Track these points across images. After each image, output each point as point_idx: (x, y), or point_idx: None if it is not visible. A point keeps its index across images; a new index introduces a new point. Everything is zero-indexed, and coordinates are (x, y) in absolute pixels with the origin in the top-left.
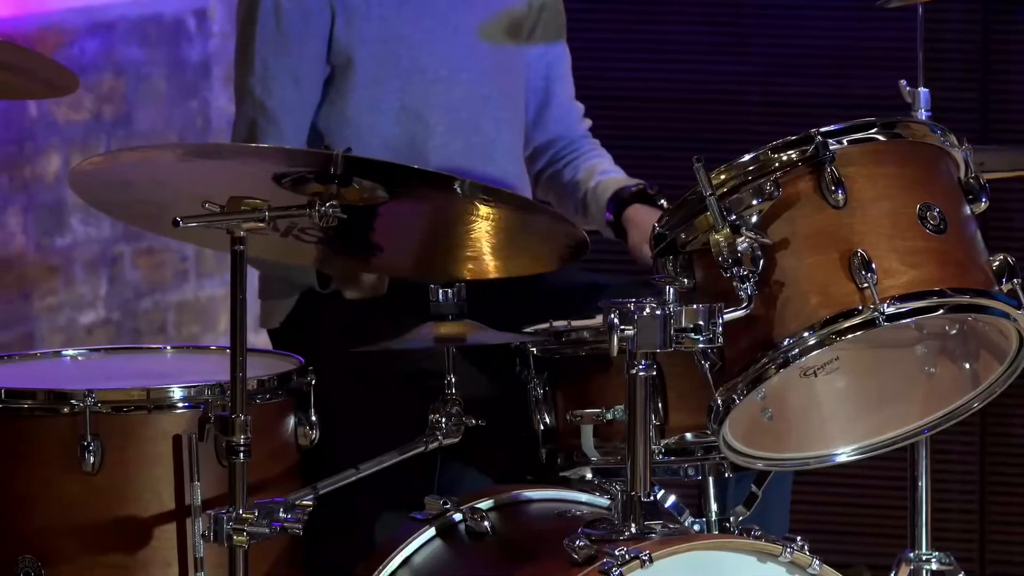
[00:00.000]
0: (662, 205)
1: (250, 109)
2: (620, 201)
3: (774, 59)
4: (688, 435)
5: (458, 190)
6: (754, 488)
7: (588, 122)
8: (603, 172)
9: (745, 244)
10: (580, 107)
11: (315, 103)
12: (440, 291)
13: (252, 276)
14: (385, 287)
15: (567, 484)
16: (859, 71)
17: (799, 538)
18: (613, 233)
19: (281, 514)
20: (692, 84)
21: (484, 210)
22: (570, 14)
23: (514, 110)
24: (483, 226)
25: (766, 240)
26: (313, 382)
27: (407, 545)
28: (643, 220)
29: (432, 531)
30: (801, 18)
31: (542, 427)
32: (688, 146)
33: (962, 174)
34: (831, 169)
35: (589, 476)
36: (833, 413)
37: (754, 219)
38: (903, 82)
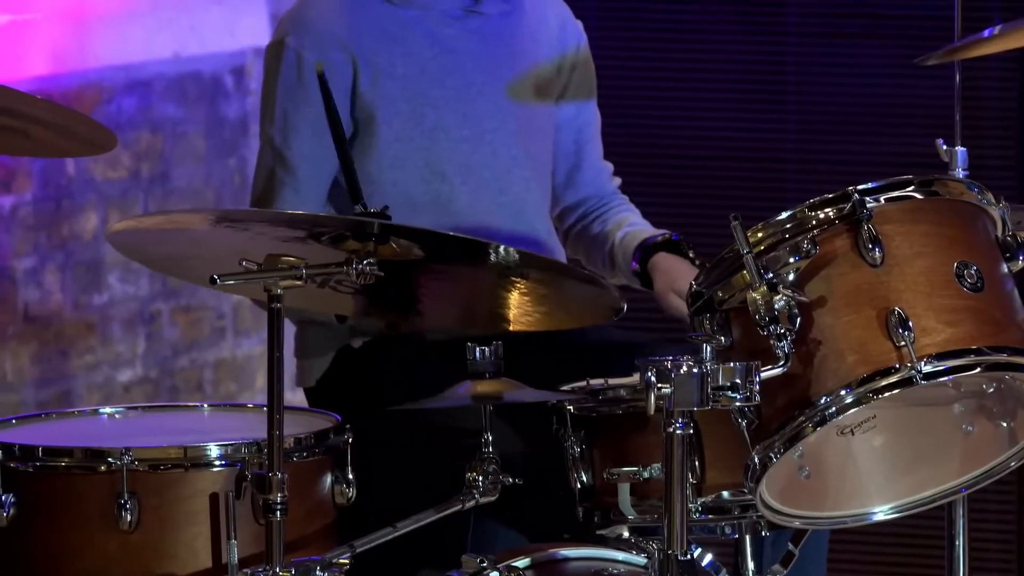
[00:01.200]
0: (689, 254)
1: (269, 158)
2: (646, 250)
3: (811, 117)
4: (725, 493)
5: (493, 256)
6: (791, 546)
7: (618, 180)
8: (631, 224)
9: (782, 302)
10: (609, 166)
11: (336, 156)
12: (477, 349)
13: (289, 334)
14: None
15: (604, 542)
16: (897, 129)
17: None
18: (640, 283)
19: (318, 573)
20: (729, 142)
21: (520, 271)
22: (606, 71)
23: (541, 169)
24: (519, 285)
25: (803, 298)
26: (350, 440)
27: None
28: (669, 267)
29: None
30: (839, 76)
31: (579, 485)
32: (725, 204)
33: (999, 232)
34: (868, 227)
35: (626, 534)
36: (870, 471)
37: (791, 277)
38: (940, 141)
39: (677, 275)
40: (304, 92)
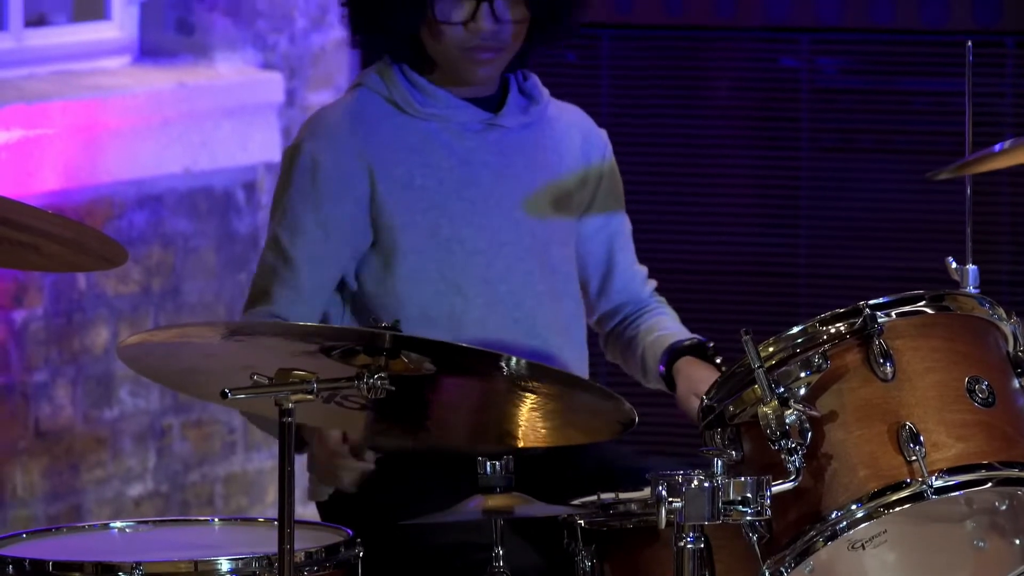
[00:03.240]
0: (718, 363)
1: (272, 256)
2: (673, 354)
3: (823, 231)
4: None
5: (504, 368)
6: None
7: (653, 283)
8: (663, 328)
9: (793, 417)
10: (643, 270)
11: (343, 262)
12: (488, 463)
13: None
14: (357, 481)
15: None
16: (908, 243)
17: None
18: (666, 386)
19: None
20: (741, 255)
21: (532, 385)
22: (623, 187)
23: (559, 283)
24: (531, 399)
25: (814, 413)
26: (361, 555)
27: None
28: (692, 372)
29: None
30: (851, 190)
31: None
32: (737, 318)
33: (1011, 347)
34: (879, 342)
35: None
36: None
37: (802, 391)
38: (950, 259)
39: (699, 380)
40: (316, 196)
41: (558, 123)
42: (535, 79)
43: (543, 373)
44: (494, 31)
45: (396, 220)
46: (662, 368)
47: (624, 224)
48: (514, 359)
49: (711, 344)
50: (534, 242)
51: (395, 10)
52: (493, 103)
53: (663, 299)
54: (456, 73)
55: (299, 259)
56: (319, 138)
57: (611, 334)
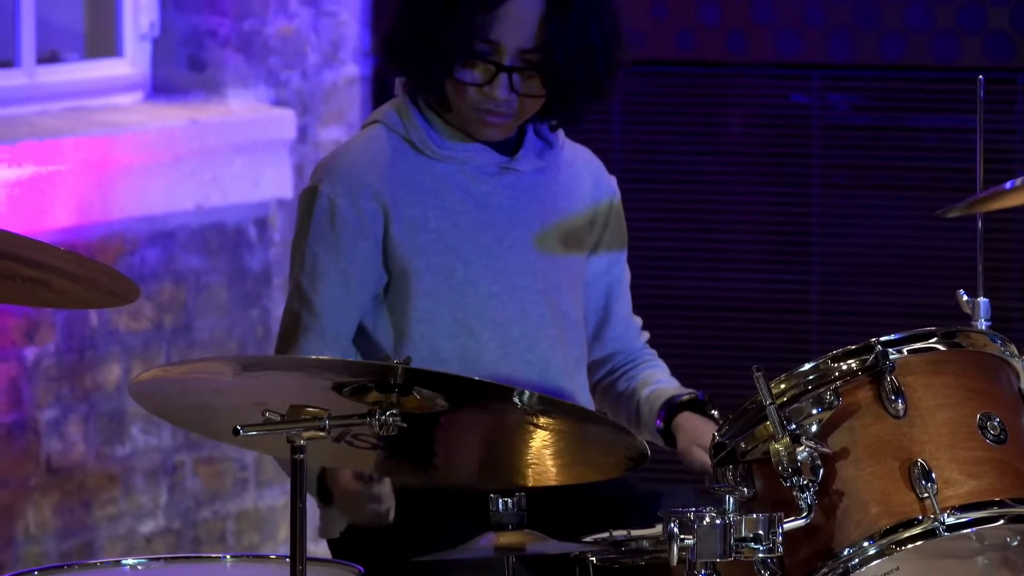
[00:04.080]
0: (713, 415)
1: (296, 303)
2: (671, 409)
3: (835, 268)
4: None
5: (517, 402)
6: None
7: (646, 335)
8: (657, 382)
9: (805, 453)
10: (638, 321)
11: (364, 305)
12: (500, 500)
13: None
14: (391, 517)
15: None
16: (920, 280)
17: None
18: (663, 441)
19: None
20: (753, 292)
21: (543, 421)
22: (631, 222)
23: (569, 327)
24: (542, 436)
25: (826, 449)
26: None
27: None
28: (692, 427)
29: None
30: (861, 227)
31: None
32: (748, 355)
33: (1022, 384)
34: (891, 378)
35: None
36: None
37: (814, 428)
38: (961, 292)
39: (700, 432)
40: (335, 239)
41: (571, 167)
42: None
43: (555, 407)
44: (507, 100)
45: (410, 263)
46: (660, 423)
47: (624, 272)
48: (527, 392)
49: (707, 397)
50: (547, 286)
51: (427, 62)
52: (509, 146)
53: (654, 351)
54: (465, 125)
55: (322, 305)
56: (336, 181)
57: (600, 383)
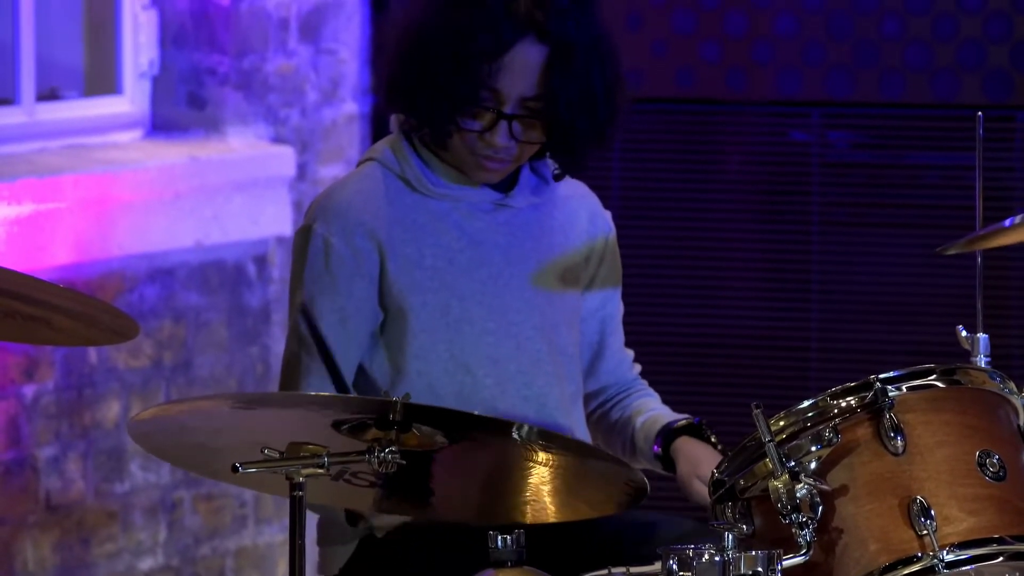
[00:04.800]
0: (711, 439)
1: (295, 344)
2: (668, 434)
3: (834, 305)
4: None
5: (516, 436)
6: None
7: (638, 367)
8: (651, 410)
9: (804, 491)
10: (630, 353)
11: (362, 342)
12: (499, 537)
13: (311, 522)
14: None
15: None
16: (919, 317)
17: None
18: (662, 466)
19: None
20: (753, 330)
21: (542, 456)
22: (630, 258)
23: (566, 362)
24: (541, 471)
25: (825, 487)
26: None
27: None
28: (691, 452)
29: None
30: (861, 264)
31: None
32: (748, 392)
33: (1022, 421)
34: (890, 416)
35: None
36: None
37: (813, 465)
38: (960, 328)
39: (700, 461)
40: (331, 279)
41: (567, 203)
42: (547, 159)
43: (554, 441)
44: (507, 147)
45: (406, 300)
46: (658, 448)
47: (618, 308)
48: (526, 426)
49: (704, 422)
50: (543, 322)
51: (434, 110)
52: (504, 182)
53: (645, 382)
54: (462, 168)
55: (321, 346)
56: (331, 220)
57: (594, 414)
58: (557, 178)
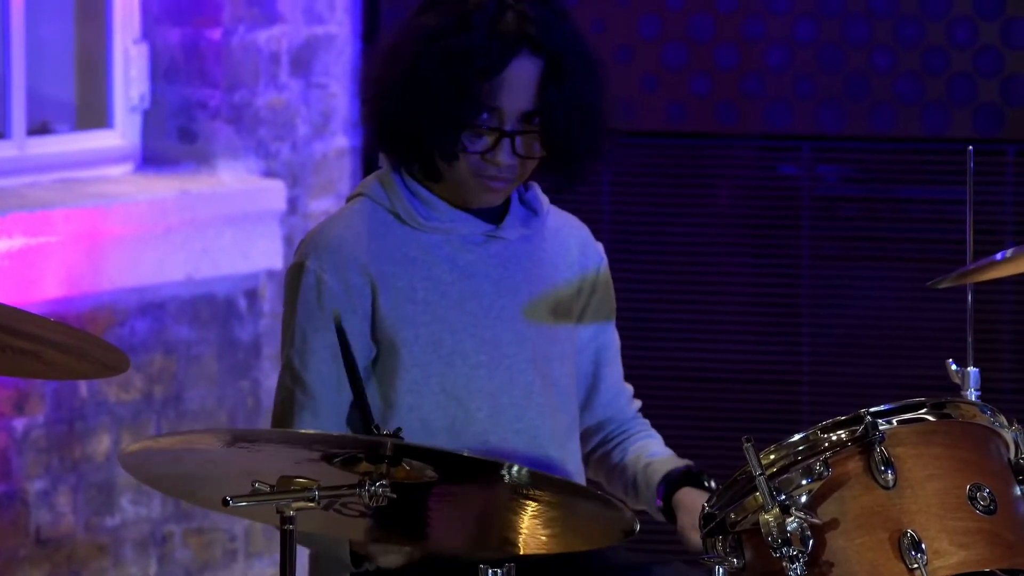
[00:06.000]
0: (708, 484)
1: (288, 380)
2: (669, 484)
3: (825, 339)
4: None
5: (505, 476)
6: None
7: (638, 403)
8: (652, 454)
9: (795, 524)
10: (629, 389)
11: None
12: (490, 571)
13: (302, 556)
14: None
15: None
16: (910, 352)
17: None
18: (665, 518)
19: None
20: (743, 364)
21: (533, 493)
22: (622, 294)
23: (559, 395)
24: (531, 507)
25: (815, 520)
26: None
27: None
28: (692, 504)
29: None
30: (852, 298)
31: None
32: (739, 427)
33: (1012, 455)
34: (880, 449)
35: None
36: None
37: (804, 499)
38: (950, 362)
39: (697, 512)
40: (323, 315)
41: (557, 234)
42: (536, 190)
43: (544, 481)
44: (510, 164)
45: (398, 334)
46: (659, 502)
47: (613, 339)
48: (515, 467)
49: (699, 470)
50: (535, 354)
51: (440, 139)
52: (494, 214)
53: (647, 421)
54: (462, 194)
55: (314, 382)
56: (322, 256)
57: (594, 453)
58: (558, 191)
